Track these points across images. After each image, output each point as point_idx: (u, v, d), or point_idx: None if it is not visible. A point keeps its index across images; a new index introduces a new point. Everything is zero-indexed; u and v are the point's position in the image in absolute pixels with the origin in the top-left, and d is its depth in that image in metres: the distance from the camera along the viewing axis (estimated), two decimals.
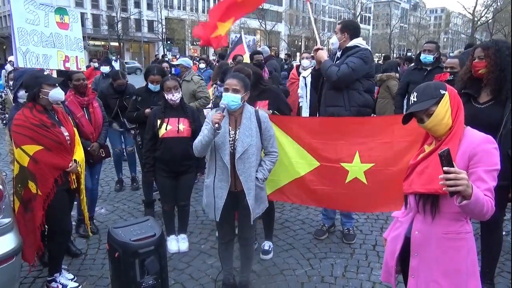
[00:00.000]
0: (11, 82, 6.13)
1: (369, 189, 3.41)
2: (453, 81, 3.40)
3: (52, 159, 3.04)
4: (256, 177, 2.89)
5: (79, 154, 3.29)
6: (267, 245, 3.86)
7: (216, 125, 2.67)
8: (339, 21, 4.30)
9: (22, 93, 3.68)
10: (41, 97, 3.08)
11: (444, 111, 1.84)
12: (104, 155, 4.34)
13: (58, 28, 4.02)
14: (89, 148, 4.12)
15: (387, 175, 3.31)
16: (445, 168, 1.56)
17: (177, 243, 3.92)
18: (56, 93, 3.16)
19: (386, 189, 3.31)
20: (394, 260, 2.10)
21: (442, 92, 1.86)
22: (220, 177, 2.88)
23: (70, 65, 4.16)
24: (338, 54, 3.89)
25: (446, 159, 1.56)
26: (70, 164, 3.16)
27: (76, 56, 4.21)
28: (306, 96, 5.60)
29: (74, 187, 3.28)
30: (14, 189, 3.03)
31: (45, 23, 3.89)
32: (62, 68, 4.12)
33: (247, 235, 3.14)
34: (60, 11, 4.06)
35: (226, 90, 2.84)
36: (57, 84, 3.21)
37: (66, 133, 3.17)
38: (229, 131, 2.86)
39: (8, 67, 11.39)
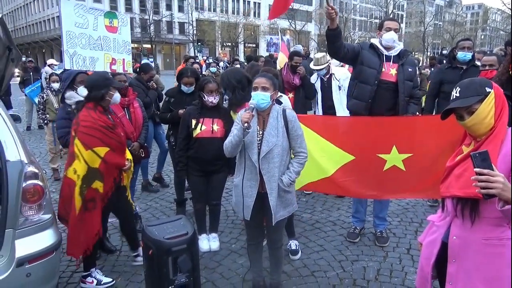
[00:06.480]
0: (52, 84, 6.38)
1: (407, 176, 3.39)
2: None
3: (116, 159, 3.17)
4: (281, 179, 2.86)
5: (128, 154, 3.42)
6: (293, 244, 3.84)
7: (246, 124, 2.70)
8: (388, 18, 4.13)
9: (69, 94, 3.80)
10: (107, 98, 3.19)
11: (488, 110, 1.76)
12: (144, 155, 4.44)
13: (106, 31, 4.13)
14: (129, 148, 4.23)
15: (426, 164, 3.28)
16: (476, 169, 1.51)
17: (208, 242, 3.97)
18: (117, 97, 3.36)
19: (425, 178, 3.28)
20: (430, 266, 2.04)
21: (488, 90, 1.78)
22: (248, 176, 2.89)
23: (116, 67, 4.26)
24: (386, 52, 3.72)
25: (483, 161, 1.51)
26: (127, 163, 3.28)
27: (123, 59, 4.31)
28: (317, 100, 5.45)
29: (125, 184, 3.39)
30: (79, 189, 3.05)
31: (93, 27, 4.01)
32: (109, 70, 4.22)
33: (274, 238, 3.12)
34: (110, 15, 4.18)
35: (255, 89, 2.85)
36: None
37: (122, 134, 3.30)
38: (258, 131, 2.88)
39: (48, 69, 11.84)
